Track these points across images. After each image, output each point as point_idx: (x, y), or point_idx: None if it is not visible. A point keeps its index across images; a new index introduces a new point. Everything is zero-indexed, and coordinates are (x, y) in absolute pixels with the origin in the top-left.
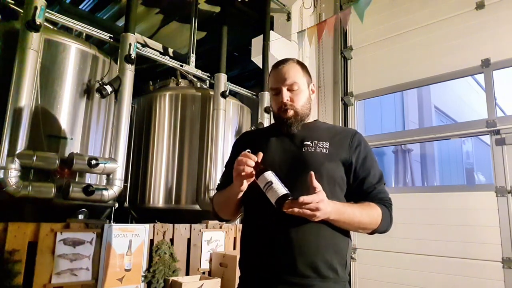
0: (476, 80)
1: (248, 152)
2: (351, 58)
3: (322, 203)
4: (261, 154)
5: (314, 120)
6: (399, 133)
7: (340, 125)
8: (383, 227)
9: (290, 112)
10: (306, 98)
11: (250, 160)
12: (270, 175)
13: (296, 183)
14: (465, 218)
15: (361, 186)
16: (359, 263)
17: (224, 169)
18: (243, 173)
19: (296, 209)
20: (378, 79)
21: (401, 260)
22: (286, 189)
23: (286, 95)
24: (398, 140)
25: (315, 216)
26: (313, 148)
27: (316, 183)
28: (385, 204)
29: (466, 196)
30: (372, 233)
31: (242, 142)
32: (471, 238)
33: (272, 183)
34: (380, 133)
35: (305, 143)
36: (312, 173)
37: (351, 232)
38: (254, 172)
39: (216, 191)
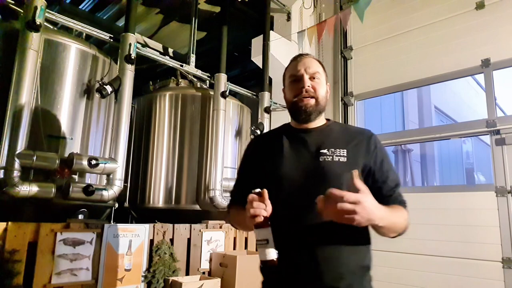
0: (476, 80)
1: (259, 193)
2: (351, 58)
3: (360, 205)
4: (266, 194)
5: (327, 120)
6: (399, 133)
7: None
8: (406, 230)
9: (312, 101)
10: (325, 91)
11: (264, 211)
12: (269, 232)
13: (314, 195)
14: (465, 218)
15: (380, 191)
16: None
17: (236, 176)
18: (254, 219)
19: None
20: (378, 79)
21: (401, 260)
22: (276, 252)
23: (308, 81)
24: (398, 140)
25: (353, 218)
26: (331, 157)
27: (359, 185)
28: (405, 207)
29: (466, 196)
30: (395, 236)
31: (254, 148)
32: (471, 238)
33: (267, 242)
34: (380, 133)
35: (322, 151)
36: (355, 171)
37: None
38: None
39: (230, 199)
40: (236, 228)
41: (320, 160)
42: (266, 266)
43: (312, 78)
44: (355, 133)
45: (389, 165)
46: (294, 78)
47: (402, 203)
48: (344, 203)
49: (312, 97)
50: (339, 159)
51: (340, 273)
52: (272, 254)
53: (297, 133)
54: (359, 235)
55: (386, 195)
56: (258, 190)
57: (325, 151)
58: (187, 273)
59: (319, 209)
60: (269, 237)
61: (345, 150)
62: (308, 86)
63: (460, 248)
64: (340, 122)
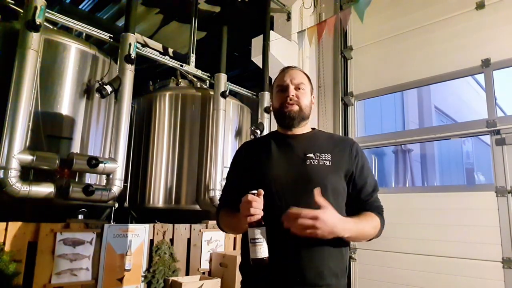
0: (476, 80)
1: (256, 194)
2: (351, 58)
3: (319, 221)
4: (262, 195)
5: (312, 129)
6: (399, 133)
7: (341, 125)
8: (379, 235)
9: (295, 107)
10: (309, 101)
11: (259, 210)
12: (264, 232)
13: (302, 197)
14: (465, 218)
15: (359, 195)
16: (359, 263)
17: (225, 181)
18: (251, 218)
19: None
20: (378, 79)
21: (401, 260)
22: (267, 252)
23: (293, 91)
24: (398, 140)
25: (315, 233)
26: (316, 160)
27: (321, 201)
28: (380, 212)
29: (466, 196)
30: (369, 240)
31: (244, 154)
32: (471, 238)
33: (262, 240)
34: (380, 133)
35: (308, 155)
36: (317, 189)
37: None
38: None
39: (219, 202)
40: (224, 231)
41: (307, 163)
42: (259, 264)
43: (297, 88)
44: (339, 141)
45: (369, 171)
46: (280, 88)
47: (378, 209)
48: (303, 219)
49: (295, 104)
50: (324, 162)
51: (321, 272)
52: (267, 251)
53: (285, 138)
54: (340, 239)
55: (364, 199)
56: (255, 191)
57: (311, 155)
58: (187, 273)
59: (286, 227)
60: (265, 236)
61: (330, 155)
62: (293, 95)
63: (460, 248)
64: (340, 122)
